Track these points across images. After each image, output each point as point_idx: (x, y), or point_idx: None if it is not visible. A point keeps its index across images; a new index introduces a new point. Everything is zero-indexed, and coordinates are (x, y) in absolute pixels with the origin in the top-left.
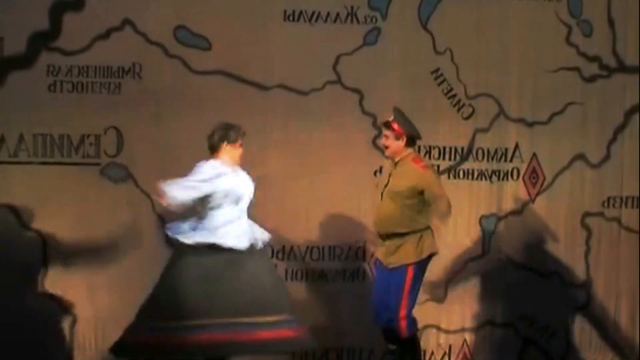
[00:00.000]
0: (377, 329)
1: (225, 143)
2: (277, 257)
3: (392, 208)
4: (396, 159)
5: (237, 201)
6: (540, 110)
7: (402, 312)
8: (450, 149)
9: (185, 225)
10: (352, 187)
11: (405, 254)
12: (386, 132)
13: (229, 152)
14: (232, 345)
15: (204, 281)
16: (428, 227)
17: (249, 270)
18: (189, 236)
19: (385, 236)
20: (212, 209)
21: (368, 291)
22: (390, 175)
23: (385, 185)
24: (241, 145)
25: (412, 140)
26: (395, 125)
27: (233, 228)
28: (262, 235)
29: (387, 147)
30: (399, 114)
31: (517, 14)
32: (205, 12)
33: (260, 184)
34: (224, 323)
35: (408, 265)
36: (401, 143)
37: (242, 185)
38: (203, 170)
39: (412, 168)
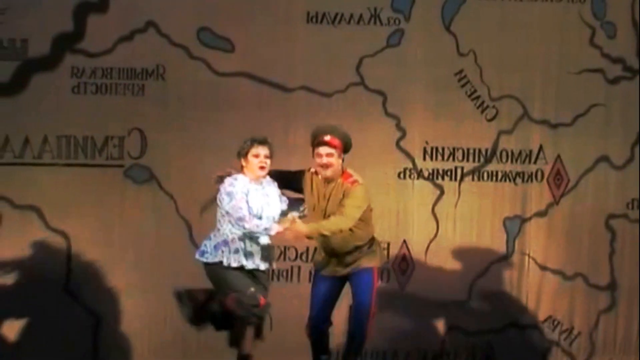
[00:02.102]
0: (399, 332)
1: (240, 160)
2: (300, 259)
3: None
4: (334, 179)
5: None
6: (564, 112)
7: (373, 311)
8: (474, 150)
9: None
10: (375, 188)
11: (370, 259)
12: (329, 150)
13: (246, 167)
14: None
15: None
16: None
17: None
18: None
19: (345, 253)
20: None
21: (393, 292)
22: (327, 198)
23: (324, 209)
24: (250, 155)
25: (346, 152)
26: (337, 142)
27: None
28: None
29: (328, 167)
30: (335, 128)
31: (541, 15)
32: (228, 14)
33: None
34: None
35: (374, 267)
36: (340, 160)
37: (239, 207)
38: None
39: (342, 184)
